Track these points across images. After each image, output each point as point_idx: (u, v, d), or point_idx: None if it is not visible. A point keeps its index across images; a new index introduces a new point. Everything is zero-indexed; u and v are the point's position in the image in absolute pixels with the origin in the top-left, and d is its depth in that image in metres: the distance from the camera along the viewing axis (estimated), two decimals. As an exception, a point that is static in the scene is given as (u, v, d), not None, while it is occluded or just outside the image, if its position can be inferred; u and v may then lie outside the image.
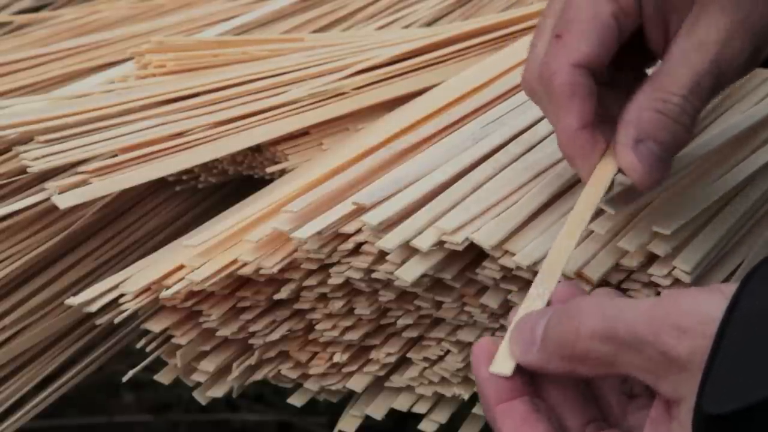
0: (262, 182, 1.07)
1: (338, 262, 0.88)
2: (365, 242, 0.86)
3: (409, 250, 0.84)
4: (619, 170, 0.77)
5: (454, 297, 0.87)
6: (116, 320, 0.91)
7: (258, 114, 1.08)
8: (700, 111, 0.76)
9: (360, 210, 0.88)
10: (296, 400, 0.95)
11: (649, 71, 0.80)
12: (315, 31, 1.29)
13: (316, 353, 0.94)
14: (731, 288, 0.62)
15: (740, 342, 0.60)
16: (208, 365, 0.93)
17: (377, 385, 0.94)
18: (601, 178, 0.78)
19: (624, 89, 0.79)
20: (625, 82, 0.80)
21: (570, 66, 0.76)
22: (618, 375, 0.65)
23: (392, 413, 0.94)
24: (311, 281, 0.89)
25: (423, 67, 1.13)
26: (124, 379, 0.92)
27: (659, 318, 0.62)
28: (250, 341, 0.93)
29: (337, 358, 0.93)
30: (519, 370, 0.68)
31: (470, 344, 0.89)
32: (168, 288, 0.89)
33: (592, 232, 0.83)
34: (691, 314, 0.62)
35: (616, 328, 0.63)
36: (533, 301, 0.71)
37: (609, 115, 0.79)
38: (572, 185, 0.87)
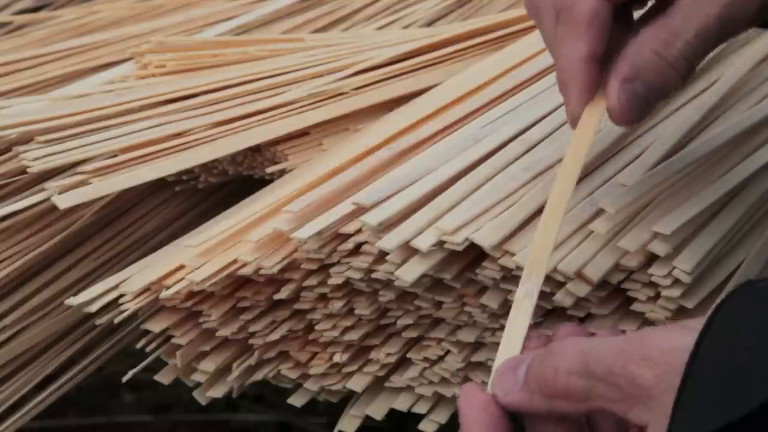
0: (262, 182, 1.07)
1: (338, 262, 0.88)
2: (365, 242, 0.86)
3: (409, 250, 0.84)
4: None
5: (454, 297, 0.87)
6: (116, 320, 0.91)
7: (258, 114, 1.08)
8: (700, 60, 0.76)
9: (360, 210, 0.88)
10: (296, 400, 0.95)
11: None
12: (315, 32, 1.29)
13: (316, 353, 0.94)
14: (701, 322, 0.64)
15: (710, 369, 0.62)
16: (208, 365, 0.93)
17: (377, 385, 0.94)
18: (589, 123, 0.78)
19: (627, 25, 0.79)
20: (629, 19, 0.80)
21: None
22: (593, 410, 0.67)
23: (392, 413, 0.94)
24: (311, 281, 0.89)
25: (423, 68, 1.13)
26: (124, 379, 0.92)
27: (628, 351, 0.65)
28: (250, 341, 0.93)
29: (337, 358, 0.93)
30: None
31: (470, 344, 0.89)
32: (168, 288, 0.89)
33: (591, 232, 0.83)
34: (658, 346, 0.64)
35: (589, 363, 0.66)
36: (521, 303, 0.73)
37: (610, 53, 0.78)
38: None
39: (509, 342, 0.73)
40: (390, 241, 0.84)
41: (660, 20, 0.76)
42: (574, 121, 0.79)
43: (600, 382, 0.65)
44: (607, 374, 0.65)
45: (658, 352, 0.64)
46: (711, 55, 1.00)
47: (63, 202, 0.99)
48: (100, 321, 0.93)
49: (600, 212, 0.84)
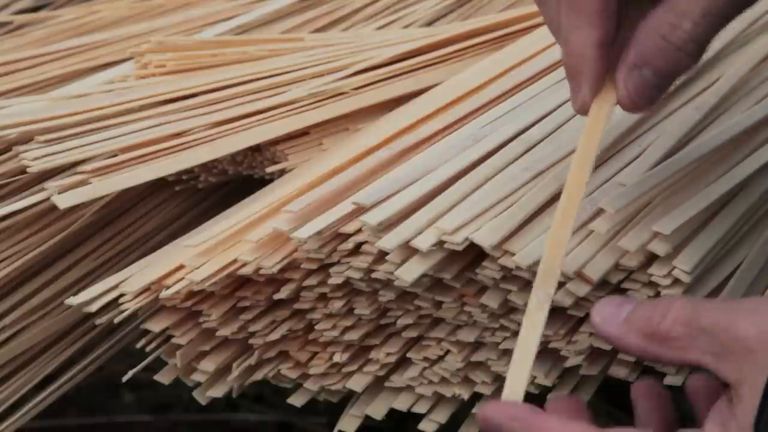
0: (262, 182, 1.07)
1: (338, 262, 0.88)
2: (365, 242, 0.86)
3: (409, 250, 0.84)
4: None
5: (454, 297, 0.87)
6: (116, 320, 0.91)
7: (257, 114, 1.08)
8: (711, 38, 0.75)
9: (360, 210, 0.88)
10: (296, 400, 0.95)
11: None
12: (314, 31, 1.29)
13: (316, 353, 0.94)
14: None
15: None
16: (208, 365, 0.93)
17: (377, 385, 0.94)
18: (600, 112, 0.77)
19: (635, 7, 0.77)
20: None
21: None
22: (686, 362, 0.69)
23: (392, 413, 0.94)
24: (311, 281, 0.89)
25: (423, 67, 1.13)
26: (124, 379, 0.92)
27: (737, 309, 0.67)
28: (250, 341, 0.93)
29: (337, 358, 0.93)
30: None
31: (470, 344, 0.89)
32: (168, 288, 0.89)
33: (591, 231, 0.83)
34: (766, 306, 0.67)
35: (699, 313, 0.68)
36: (532, 315, 0.74)
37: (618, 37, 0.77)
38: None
39: (521, 355, 0.72)
40: (390, 241, 0.84)
41: (666, 1, 0.74)
42: (584, 109, 0.78)
43: (703, 334, 0.67)
44: (713, 326, 0.67)
45: (766, 308, 0.66)
46: (711, 54, 1.00)
47: (63, 202, 0.99)
48: (100, 321, 0.93)
49: (600, 212, 0.84)
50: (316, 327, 0.92)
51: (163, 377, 0.94)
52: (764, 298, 0.69)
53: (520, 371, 0.72)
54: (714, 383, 0.71)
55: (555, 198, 0.86)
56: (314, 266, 0.88)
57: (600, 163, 0.89)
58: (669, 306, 0.70)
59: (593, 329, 0.74)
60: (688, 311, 0.69)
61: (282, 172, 1.06)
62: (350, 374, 0.93)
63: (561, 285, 0.82)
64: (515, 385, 0.71)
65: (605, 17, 0.75)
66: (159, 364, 0.94)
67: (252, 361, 0.93)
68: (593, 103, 0.77)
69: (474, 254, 0.85)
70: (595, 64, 0.76)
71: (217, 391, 0.94)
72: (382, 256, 0.85)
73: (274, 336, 0.92)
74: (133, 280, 0.92)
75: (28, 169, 1.02)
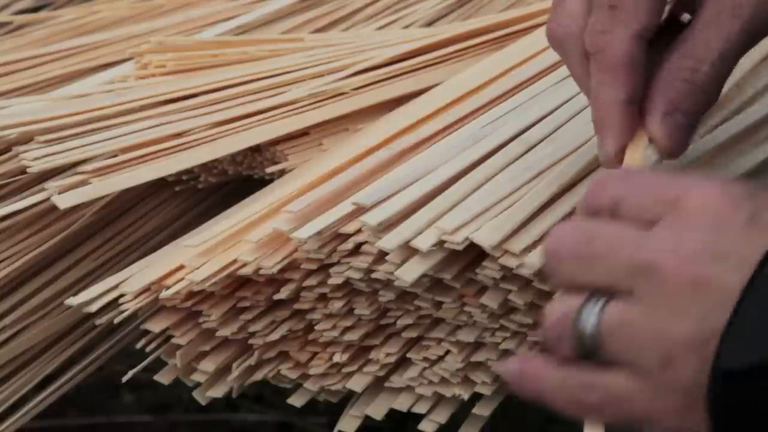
0: (262, 182, 1.07)
1: (338, 262, 0.88)
2: (365, 242, 0.86)
3: (409, 250, 0.84)
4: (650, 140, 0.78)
5: (454, 297, 0.87)
6: (116, 320, 0.91)
7: (258, 114, 1.08)
8: (727, 77, 0.77)
9: (360, 210, 0.87)
10: (296, 400, 0.95)
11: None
12: (315, 32, 1.29)
13: (316, 353, 0.94)
14: None
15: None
16: (208, 365, 0.93)
17: (377, 385, 0.94)
18: (634, 157, 0.78)
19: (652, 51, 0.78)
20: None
21: (629, 38, 0.75)
22: None
23: (392, 413, 0.93)
24: (311, 281, 0.89)
25: (423, 67, 1.13)
26: (124, 379, 0.93)
27: None
28: (250, 341, 0.93)
29: (337, 358, 0.93)
30: None
31: (470, 344, 0.89)
32: (168, 288, 0.89)
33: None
34: None
35: None
36: None
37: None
38: (572, 185, 0.87)
39: None
40: (390, 241, 0.84)
41: (682, 46, 0.76)
42: (609, 162, 0.78)
43: None
44: None
45: None
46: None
47: (63, 202, 0.99)
48: (100, 321, 0.93)
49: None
50: (316, 327, 0.92)
51: (163, 377, 0.94)
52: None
53: None
54: None
55: (555, 198, 0.86)
56: (314, 266, 0.88)
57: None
58: None
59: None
60: None
61: (282, 172, 1.05)
62: (350, 374, 0.93)
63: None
64: None
65: (632, 74, 0.76)
66: (159, 364, 0.94)
67: (252, 361, 0.93)
68: (626, 157, 0.78)
69: (474, 254, 0.85)
70: (623, 120, 0.77)
71: (217, 391, 0.94)
72: (382, 256, 0.85)
73: (274, 336, 0.92)
74: (133, 281, 0.92)
75: (28, 169, 1.02)
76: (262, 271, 0.88)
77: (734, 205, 0.62)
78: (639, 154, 0.78)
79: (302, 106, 1.09)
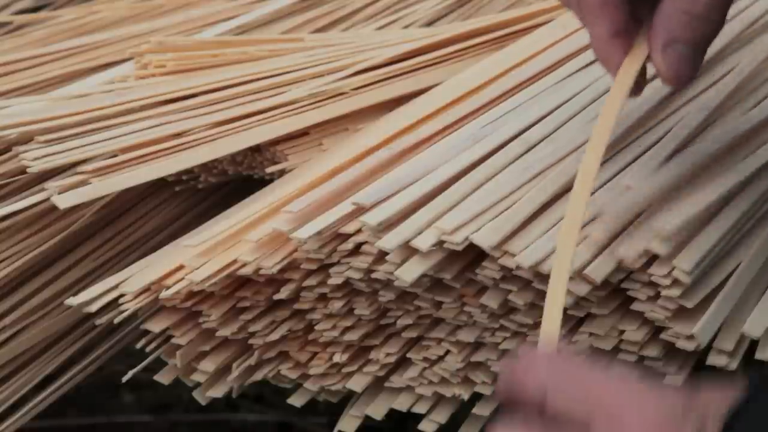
0: (262, 182, 1.07)
1: (338, 262, 0.88)
2: (365, 242, 0.86)
3: (408, 250, 0.84)
4: (643, 68, 0.79)
5: (454, 297, 0.87)
6: (116, 320, 0.91)
7: (258, 114, 1.08)
8: (731, 2, 0.77)
9: (360, 210, 0.87)
10: (296, 400, 0.95)
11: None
12: (315, 31, 1.29)
13: (316, 353, 0.94)
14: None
15: None
16: (208, 365, 0.93)
17: (377, 385, 0.94)
18: (625, 76, 0.79)
19: None
20: None
21: None
22: None
23: (392, 413, 0.94)
24: (311, 281, 0.89)
25: (423, 67, 1.13)
26: (124, 379, 0.93)
27: None
28: (250, 341, 0.93)
29: (337, 358, 0.93)
30: None
31: (470, 344, 0.89)
32: (168, 288, 0.89)
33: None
34: None
35: None
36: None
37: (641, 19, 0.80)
38: (572, 185, 0.87)
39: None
40: (390, 241, 0.84)
41: None
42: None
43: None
44: None
45: None
46: (713, 54, 1.00)
47: (63, 202, 0.99)
48: (100, 321, 0.93)
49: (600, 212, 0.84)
50: (316, 327, 0.92)
51: (163, 377, 0.94)
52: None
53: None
54: None
55: (555, 198, 0.86)
56: (314, 266, 0.88)
57: (602, 162, 0.89)
58: None
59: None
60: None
61: (282, 172, 1.05)
62: (350, 374, 0.93)
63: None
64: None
65: (611, 11, 0.78)
66: (159, 364, 0.94)
67: (252, 361, 0.93)
68: (622, 66, 0.80)
69: (474, 254, 0.85)
70: (615, 53, 0.79)
71: (217, 391, 0.94)
72: (382, 256, 0.85)
73: (274, 336, 0.92)
74: (133, 281, 0.92)
75: (28, 169, 1.02)
76: (262, 271, 0.88)
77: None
78: (630, 79, 0.79)
79: (302, 106, 1.09)
